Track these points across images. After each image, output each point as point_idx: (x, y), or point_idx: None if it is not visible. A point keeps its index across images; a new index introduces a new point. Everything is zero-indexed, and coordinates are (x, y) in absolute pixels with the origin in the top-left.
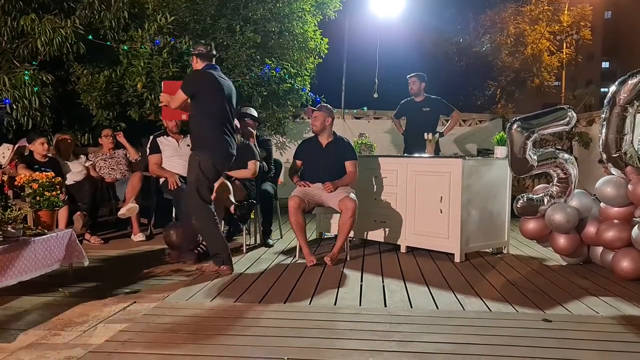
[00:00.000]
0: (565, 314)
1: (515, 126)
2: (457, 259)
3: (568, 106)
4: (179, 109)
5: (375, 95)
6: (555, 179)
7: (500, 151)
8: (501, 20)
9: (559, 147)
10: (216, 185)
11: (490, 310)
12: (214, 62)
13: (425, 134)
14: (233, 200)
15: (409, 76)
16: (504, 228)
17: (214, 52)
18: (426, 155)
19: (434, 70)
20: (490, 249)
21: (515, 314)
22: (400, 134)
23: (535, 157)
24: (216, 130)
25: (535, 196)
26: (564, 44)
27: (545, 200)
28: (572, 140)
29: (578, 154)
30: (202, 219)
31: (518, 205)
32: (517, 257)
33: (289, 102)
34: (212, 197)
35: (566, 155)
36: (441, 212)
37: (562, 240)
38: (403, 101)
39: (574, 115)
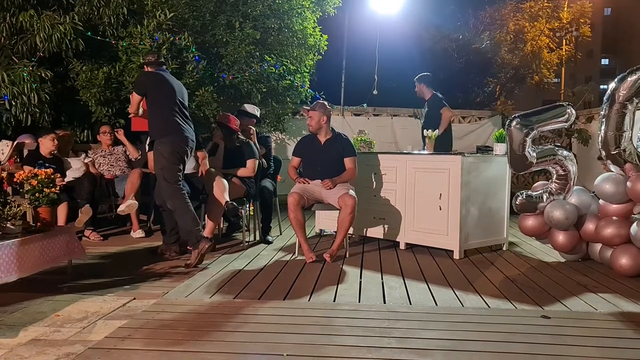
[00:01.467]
0: (563, 311)
1: (514, 123)
2: (456, 256)
3: (567, 103)
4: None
5: (375, 92)
6: (555, 175)
7: (500, 148)
8: (501, 17)
9: (558, 144)
10: (214, 183)
11: (489, 307)
12: (164, 68)
13: (425, 130)
14: (226, 198)
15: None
16: (503, 225)
17: (162, 60)
18: (425, 152)
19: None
20: (490, 246)
21: (514, 311)
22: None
23: (535, 154)
24: (169, 119)
25: (534, 193)
26: (564, 40)
27: (545, 197)
28: (571, 137)
29: (577, 151)
30: (173, 197)
31: (517, 202)
32: (515, 254)
33: (288, 99)
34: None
35: (565, 152)
36: (440, 209)
37: (561, 237)
38: None
39: (573, 112)
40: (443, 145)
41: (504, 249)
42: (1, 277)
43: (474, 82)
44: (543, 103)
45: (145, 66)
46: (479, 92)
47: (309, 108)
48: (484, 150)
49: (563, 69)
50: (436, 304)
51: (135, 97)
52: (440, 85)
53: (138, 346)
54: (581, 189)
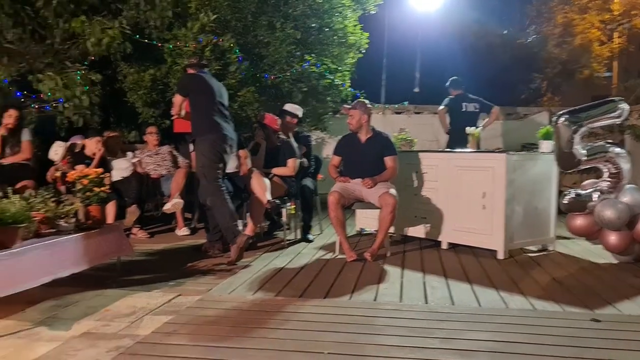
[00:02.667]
0: (615, 314)
1: (562, 120)
2: (500, 256)
3: (619, 98)
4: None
5: (416, 90)
6: (606, 173)
7: (546, 145)
8: (548, 10)
9: (610, 141)
10: (253, 180)
11: (535, 309)
12: (205, 70)
13: (468, 128)
14: (268, 196)
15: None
16: (550, 224)
17: (204, 62)
18: (468, 150)
19: (476, 63)
20: (536, 246)
21: (562, 313)
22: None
23: (584, 152)
24: (209, 119)
25: (583, 192)
26: (615, 33)
27: (595, 195)
28: (624, 134)
29: (631, 148)
30: (212, 194)
31: (565, 201)
32: (564, 254)
33: (328, 98)
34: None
35: (617, 149)
36: (484, 207)
37: (612, 238)
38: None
39: (627, 107)
40: (450, 141)
41: (551, 249)
42: (56, 272)
43: (518, 78)
44: (593, 99)
45: (188, 68)
46: (524, 88)
47: (349, 107)
48: (530, 147)
49: (615, 62)
50: (480, 305)
51: (177, 99)
52: (483, 82)
53: (183, 341)
54: (634, 187)
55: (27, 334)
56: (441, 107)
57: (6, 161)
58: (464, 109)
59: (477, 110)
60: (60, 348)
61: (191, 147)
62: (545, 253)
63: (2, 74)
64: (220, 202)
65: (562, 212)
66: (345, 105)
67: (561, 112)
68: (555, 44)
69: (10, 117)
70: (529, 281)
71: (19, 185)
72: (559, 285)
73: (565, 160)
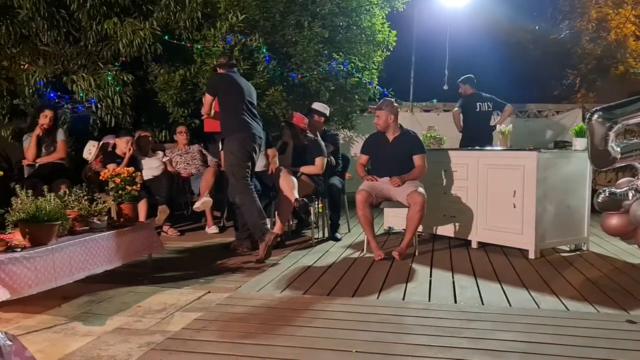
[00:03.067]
0: None
1: (595, 116)
2: (531, 255)
3: None
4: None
5: (446, 87)
6: None
7: (579, 143)
8: (581, 4)
9: None
10: (281, 179)
11: (568, 310)
12: (234, 69)
13: (499, 126)
14: (296, 195)
15: (457, 82)
16: (584, 224)
17: (233, 62)
18: (499, 148)
19: (507, 59)
20: (568, 246)
21: (596, 314)
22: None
23: (619, 149)
24: (238, 118)
25: (618, 190)
26: None
27: (630, 194)
28: None
29: None
30: (241, 192)
31: (599, 200)
32: (598, 254)
33: (356, 97)
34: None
35: None
36: (514, 206)
37: None
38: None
39: None
40: (468, 140)
41: (585, 249)
42: (89, 268)
43: (551, 75)
44: (629, 95)
45: (217, 68)
46: (556, 84)
47: (375, 107)
48: (562, 145)
49: None
50: (510, 305)
51: (207, 98)
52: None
53: (212, 338)
54: None
55: (62, 328)
56: (456, 108)
57: (42, 161)
58: (478, 109)
59: (490, 109)
60: (94, 343)
61: (220, 146)
62: (578, 253)
63: (38, 75)
64: (248, 201)
65: (596, 211)
66: (371, 106)
67: (595, 109)
68: (589, 39)
69: (45, 117)
70: (562, 281)
71: (54, 184)
72: (593, 286)
73: (600, 158)
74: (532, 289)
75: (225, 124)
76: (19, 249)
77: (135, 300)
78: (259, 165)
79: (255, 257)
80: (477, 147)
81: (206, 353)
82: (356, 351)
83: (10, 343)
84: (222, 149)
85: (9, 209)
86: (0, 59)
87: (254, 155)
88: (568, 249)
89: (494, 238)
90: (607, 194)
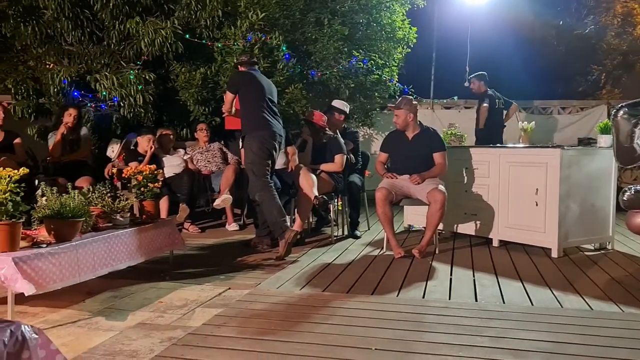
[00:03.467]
0: None
1: (621, 113)
2: (554, 254)
3: None
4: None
5: (467, 84)
6: None
7: (604, 140)
8: None
9: None
10: (300, 176)
11: (592, 309)
12: (255, 67)
13: (520, 122)
14: (315, 192)
15: (469, 78)
16: (608, 222)
17: (254, 60)
18: (521, 145)
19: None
20: (592, 245)
21: (620, 314)
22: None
23: None
24: (258, 115)
25: None
26: None
27: None
28: None
29: None
30: (261, 190)
31: (625, 198)
32: (623, 253)
33: (376, 94)
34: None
35: None
36: (537, 204)
37: None
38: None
39: None
40: (486, 138)
41: (610, 247)
42: (112, 264)
43: (575, 70)
44: None
45: (238, 66)
46: (581, 80)
47: (393, 106)
48: (587, 142)
49: None
50: (532, 304)
51: (228, 96)
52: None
53: (233, 334)
54: None
55: (86, 323)
56: (485, 104)
57: (66, 158)
58: (497, 106)
59: (503, 107)
60: (117, 337)
61: (241, 143)
62: (603, 252)
63: (63, 75)
64: (268, 198)
65: (622, 209)
66: (390, 105)
67: (621, 105)
68: (614, 34)
69: (70, 116)
70: (586, 280)
71: (78, 182)
72: (618, 285)
73: (625, 155)
74: (555, 288)
75: (246, 122)
76: (45, 245)
77: (157, 296)
78: (279, 163)
79: (275, 254)
80: (498, 145)
81: (226, 349)
82: (375, 349)
83: (36, 336)
84: (242, 147)
85: (35, 205)
86: (27, 58)
87: (274, 153)
88: (592, 248)
89: (516, 236)
90: (632, 192)
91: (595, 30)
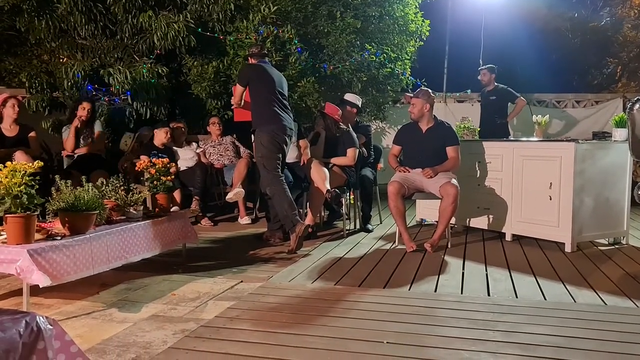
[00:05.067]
0: None
1: (637, 106)
2: (567, 249)
3: None
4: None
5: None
6: None
7: (620, 134)
8: None
9: None
10: (312, 170)
11: (606, 304)
12: (266, 60)
13: (534, 116)
14: (327, 186)
15: (480, 68)
16: (623, 217)
17: (265, 52)
18: (535, 138)
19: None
20: (607, 239)
21: (635, 309)
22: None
23: None
24: (269, 109)
25: None
26: None
27: None
28: None
29: None
30: (271, 184)
31: (639, 193)
32: (638, 248)
33: (389, 87)
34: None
35: None
36: (551, 198)
37: None
38: (481, 91)
39: None
40: (505, 131)
41: (624, 242)
42: (126, 257)
43: (590, 63)
44: None
45: (249, 58)
46: (596, 73)
47: (411, 95)
48: (601, 136)
49: None
50: (545, 299)
51: (238, 89)
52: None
53: (245, 326)
54: None
55: (100, 314)
56: (520, 97)
57: (80, 152)
58: (484, 102)
59: (498, 101)
60: (130, 329)
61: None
62: (617, 246)
63: (76, 68)
64: (279, 192)
65: (637, 203)
66: (407, 94)
67: (637, 98)
68: (631, 26)
69: (84, 109)
70: (599, 275)
71: (92, 175)
72: (632, 280)
73: None
74: (568, 283)
75: (256, 115)
76: (59, 237)
77: (170, 289)
78: (291, 157)
79: (287, 247)
80: (512, 138)
81: (238, 341)
82: (387, 342)
83: (51, 327)
84: (253, 141)
85: (50, 198)
86: (41, 52)
87: (285, 146)
88: (606, 243)
89: (529, 231)
90: None
91: (611, 23)
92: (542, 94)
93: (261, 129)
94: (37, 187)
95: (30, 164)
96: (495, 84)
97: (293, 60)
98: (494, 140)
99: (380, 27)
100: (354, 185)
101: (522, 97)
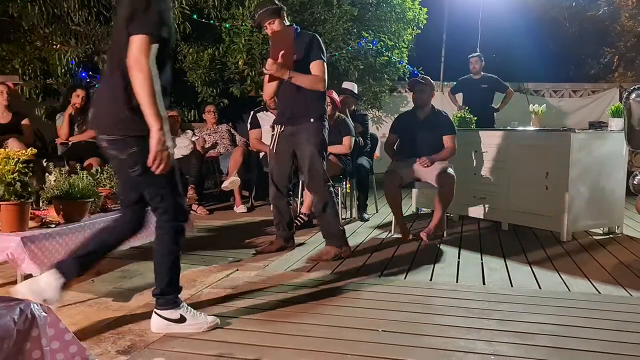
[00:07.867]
0: None
1: (634, 96)
2: (563, 238)
3: None
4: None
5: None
6: None
7: (616, 123)
8: None
9: None
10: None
11: (600, 293)
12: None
13: (531, 105)
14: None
15: (470, 56)
16: (619, 207)
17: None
18: (531, 128)
19: (541, 38)
20: (602, 229)
21: (629, 298)
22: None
23: None
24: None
25: None
26: None
27: None
28: None
29: None
30: (328, 199)
31: (635, 182)
32: (632, 237)
33: (385, 76)
34: None
35: None
36: (547, 188)
37: None
38: (461, 78)
39: None
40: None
41: (619, 232)
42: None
43: (587, 53)
44: None
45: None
46: (593, 63)
47: (423, 80)
48: (598, 126)
49: None
50: (540, 288)
51: (324, 66)
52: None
53: (241, 314)
54: None
55: (95, 302)
56: (510, 88)
57: (74, 139)
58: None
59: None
60: (124, 318)
61: (249, 126)
62: (612, 236)
63: (70, 55)
64: (333, 207)
65: (632, 193)
66: (416, 78)
67: (633, 88)
68: (628, 15)
69: (77, 96)
70: (594, 264)
71: (86, 163)
72: (627, 269)
73: (636, 138)
74: (563, 272)
75: (321, 104)
76: (53, 225)
77: None
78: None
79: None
80: (508, 128)
81: (234, 329)
82: (382, 330)
83: (45, 315)
84: (250, 129)
85: (43, 186)
86: (34, 39)
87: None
88: (601, 232)
89: (525, 220)
90: None
91: (609, 12)
92: (538, 84)
93: (322, 124)
94: (31, 174)
95: (24, 151)
96: (482, 72)
97: None
98: (490, 130)
99: (377, 15)
100: (350, 174)
101: (510, 88)
